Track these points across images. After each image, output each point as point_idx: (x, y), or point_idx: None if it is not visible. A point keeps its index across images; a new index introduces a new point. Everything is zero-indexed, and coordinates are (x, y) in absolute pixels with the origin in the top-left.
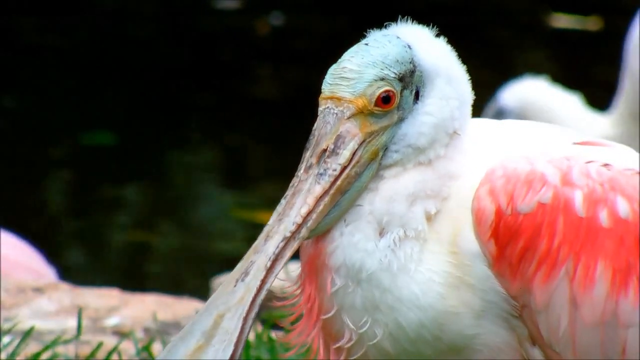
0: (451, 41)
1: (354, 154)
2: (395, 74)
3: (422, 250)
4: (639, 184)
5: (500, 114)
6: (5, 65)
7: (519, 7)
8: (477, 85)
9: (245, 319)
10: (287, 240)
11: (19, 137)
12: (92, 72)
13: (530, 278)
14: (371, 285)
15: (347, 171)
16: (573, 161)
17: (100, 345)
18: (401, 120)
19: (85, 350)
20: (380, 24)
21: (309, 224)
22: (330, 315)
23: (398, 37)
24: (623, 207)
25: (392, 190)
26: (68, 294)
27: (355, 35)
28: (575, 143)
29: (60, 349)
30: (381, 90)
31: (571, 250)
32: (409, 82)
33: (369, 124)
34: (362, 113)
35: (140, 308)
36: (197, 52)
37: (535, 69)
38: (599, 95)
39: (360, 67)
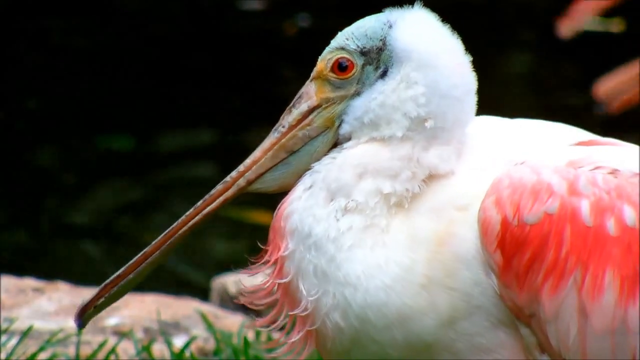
0: (470, 39)
1: (303, 116)
2: (358, 46)
3: (371, 230)
4: None
5: None
6: (31, 67)
7: (540, 7)
8: (499, 83)
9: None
10: (225, 185)
11: (37, 139)
12: (116, 74)
13: (538, 288)
14: (319, 252)
15: (294, 131)
16: (579, 169)
17: (101, 345)
18: (358, 94)
19: (86, 350)
20: None
21: (248, 174)
22: (287, 280)
23: (386, 15)
24: (630, 215)
25: (343, 159)
26: (68, 294)
27: None
28: (580, 143)
29: (60, 349)
30: (337, 57)
31: (579, 260)
32: (375, 58)
33: (326, 90)
34: (320, 78)
35: (140, 308)
36: (222, 53)
37: (558, 70)
38: None
39: (339, 35)
